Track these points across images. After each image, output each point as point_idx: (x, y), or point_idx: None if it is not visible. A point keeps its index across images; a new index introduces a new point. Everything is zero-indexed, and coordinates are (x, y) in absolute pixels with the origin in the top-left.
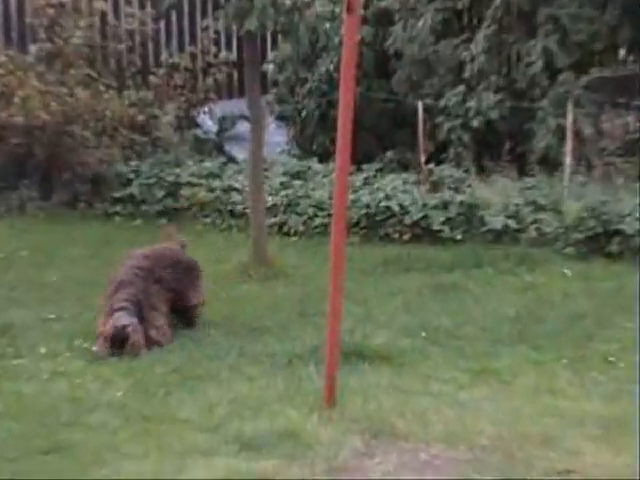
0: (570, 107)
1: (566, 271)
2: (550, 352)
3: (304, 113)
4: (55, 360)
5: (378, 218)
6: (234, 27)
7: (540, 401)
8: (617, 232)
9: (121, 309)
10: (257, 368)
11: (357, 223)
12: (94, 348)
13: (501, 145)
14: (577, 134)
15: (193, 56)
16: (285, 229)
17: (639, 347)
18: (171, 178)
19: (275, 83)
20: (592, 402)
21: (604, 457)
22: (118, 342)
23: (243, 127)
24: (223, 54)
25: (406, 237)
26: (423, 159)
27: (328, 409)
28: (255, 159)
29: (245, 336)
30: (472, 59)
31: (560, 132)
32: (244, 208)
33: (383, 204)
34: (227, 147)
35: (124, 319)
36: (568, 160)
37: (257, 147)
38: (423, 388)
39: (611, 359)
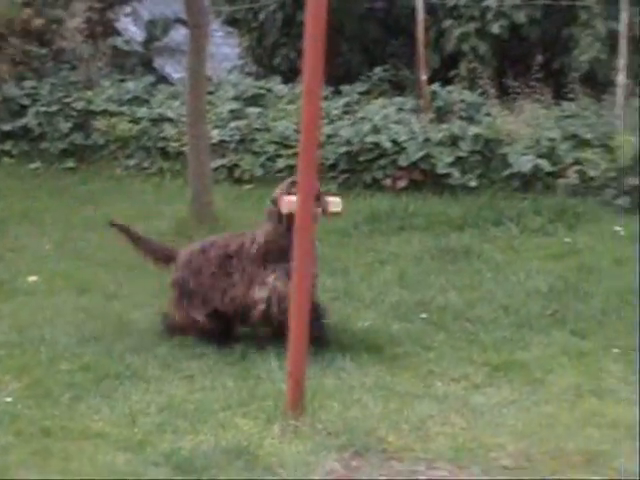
0: (625, 5)
1: (618, 229)
2: (596, 339)
3: (262, 15)
4: None
5: (363, 159)
6: None
7: (582, 406)
8: None
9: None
10: (198, 363)
11: (334, 165)
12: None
13: (530, 58)
14: (634, 42)
15: None
16: (237, 174)
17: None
18: (80, 105)
19: None
20: None
21: None
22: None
23: (179, 35)
24: None
25: (401, 184)
26: (424, 78)
27: (294, 418)
28: (195, 78)
29: None
30: None
31: (611, 40)
32: (181, 146)
33: (370, 139)
34: (157, 62)
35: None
36: (621, 78)
37: (198, 62)
38: (423, 389)
39: None
